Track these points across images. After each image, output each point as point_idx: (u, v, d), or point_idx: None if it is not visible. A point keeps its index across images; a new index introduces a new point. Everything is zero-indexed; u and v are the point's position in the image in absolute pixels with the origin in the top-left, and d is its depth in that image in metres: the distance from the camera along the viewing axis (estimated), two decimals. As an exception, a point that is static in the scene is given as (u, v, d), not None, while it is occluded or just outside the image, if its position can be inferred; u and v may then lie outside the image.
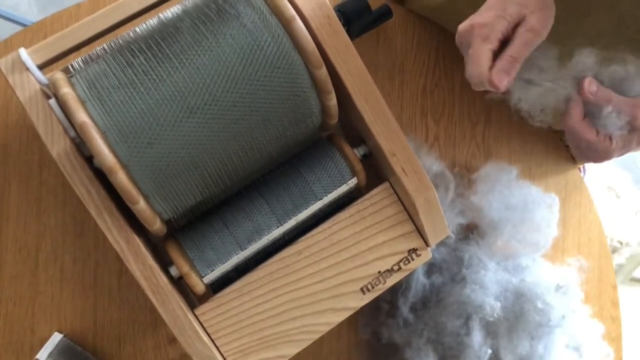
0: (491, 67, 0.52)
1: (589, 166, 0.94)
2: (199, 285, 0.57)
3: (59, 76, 0.50)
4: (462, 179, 0.76)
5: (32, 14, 1.45)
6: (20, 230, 0.68)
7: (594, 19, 0.60)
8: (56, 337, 0.67)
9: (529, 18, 0.51)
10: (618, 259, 1.54)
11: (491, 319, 0.68)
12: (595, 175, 1.41)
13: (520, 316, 0.69)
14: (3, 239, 0.67)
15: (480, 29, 0.53)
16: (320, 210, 0.61)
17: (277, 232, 0.59)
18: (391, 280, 0.61)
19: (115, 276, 0.69)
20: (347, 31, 0.58)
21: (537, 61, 0.55)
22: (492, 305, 0.68)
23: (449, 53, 0.78)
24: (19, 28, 1.31)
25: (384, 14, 0.72)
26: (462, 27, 0.56)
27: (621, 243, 1.54)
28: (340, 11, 0.64)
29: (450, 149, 0.78)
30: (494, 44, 0.53)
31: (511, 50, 0.52)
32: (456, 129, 0.78)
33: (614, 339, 0.80)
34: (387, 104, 0.58)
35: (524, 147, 0.80)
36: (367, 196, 0.61)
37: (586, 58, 0.54)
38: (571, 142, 0.57)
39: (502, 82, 0.52)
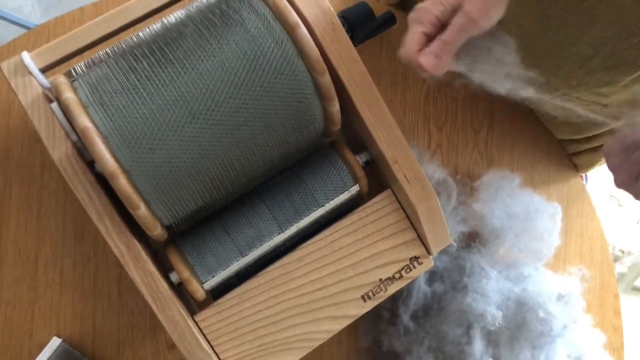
0: (421, 49, 0.53)
1: (591, 174, 0.94)
2: (199, 291, 0.56)
3: (62, 80, 0.50)
4: (465, 186, 0.76)
5: (35, 17, 1.46)
6: (21, 234, 0.67)
7: (599, 26, 0.60)
8: (55, 342, 0.67)
9: (465, 4, 0.51)
10: (620, 267, 1.54)
11: (493, 328, 0.67)
12: (597, 183, 1.41)
13: (521, 325, 0.68)
14: (3, 242, 0.67)
15: (418, 12, 0.54)
16: (322, 217, 0.60)
17: (278, 239, 0.58)
18: (392, 288, 0.61)
19: (115, 281, 0.69)
20: (351, 37, 0.58)
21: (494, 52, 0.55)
22: (494, 314, 0.67)
23: (452, 60, 0.78)
24: (22, 30, 1.31)
25: (388, 20, 0.72)
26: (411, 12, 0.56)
27: (623, 252, 1.54)
28: (344, 17, 0.64)
29: (452, 156, 0.77)
30: (427, 27, 0.53)
31: (444, 34, 0.52)
32: (459, 136, 0.78)
33: (616, 348, 0.80)
34: (389, 110, 0.58)
35: (527, 155, 0.80)
36: (369, 203, 0.60)
37: None
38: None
39: (429, 63, 0.52)
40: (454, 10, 0.52)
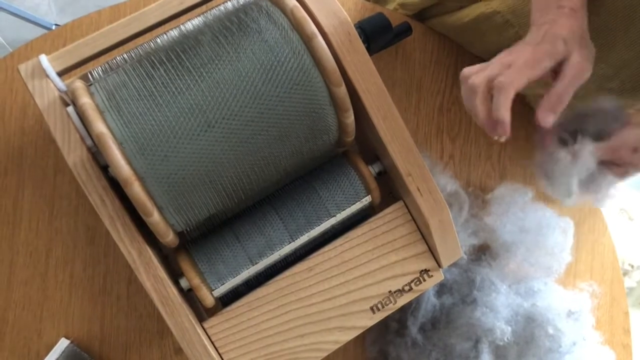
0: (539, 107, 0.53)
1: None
2: (208, 298, 0.56)
3: (79, 85, 0.50)
4: (477, 199, 0.75)
5: (52, 16, 1.46)
6: (32, 235, 0.68)
7: (619, 47, 0.59)
8: (63, 343, 0.67)
9: (574, 57, 0.52)
10: (629, 282, 1.53)
11: (501, 343, 0.67)
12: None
13: (530, 341, 0.68)
14: (15, 243, 0.68)
15: (528, 61, 0.52)
16: (333, 227, 0.60)
17: (289, 248, 0.58)
18: (402, 301, 0.60)
19: (124, 284, 0.69)
20: (367, 48, 0.58)
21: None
22: (503, 329, 0.67)
23: (467, 72, 0.77)
24: (38, 29, 1.32)
25: (404, 31, 0.71)
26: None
27: (632, 266, 1.52)
28: (361, 28, 0.64)
29: (465, 168, 0.77)
30: (531, 81, 0.52)
31: (558, 87, 0.52)
32: (472, 148, 0.77)
33: (625, 367, 0.79)
34: (403, 120, 0.57)
35: (540, 169, 0.79)
36: (380, 214, 0.60)
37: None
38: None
39: (547, 120, 0.53)
40: (559, 63, 0.52)
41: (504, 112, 0.52)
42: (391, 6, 0.79)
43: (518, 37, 0.67)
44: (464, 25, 0.73)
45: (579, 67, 0.51)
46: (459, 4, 0.72)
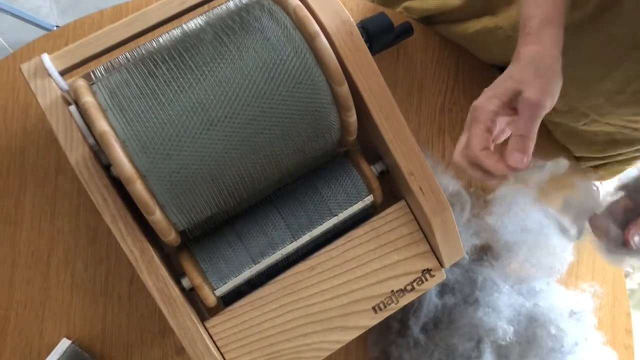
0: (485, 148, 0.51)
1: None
2: (210, 297, 0.56)
3: (81, 83, 0.50)
4: (478, 199, 0.75)
5: (53, 17, 1.47)
6: (34, 235, 0.68)
7: (625, 66, 0.59)
8: (64, 343, 0.67)
9: (525, 92, 0.50)
10: (630, 283, 1.52)
11: (503, 343, 0.67)
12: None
13: (532, 341, 0.68)
14: (17, 243, 0.67)
15: (475, 111, 0.52)
16: (335, 226, 0.60)
17: (290, 247, 0.58)
18: (404, 300, 0.60)
19: (126, 284, 0.69)
20: (369, 47, 0.57)
21: None
22: (505, 329, 0.67)
23: (468, 71, 0.77)
24: (39, 31, 1.32)
25: (405, 31, 0.72)
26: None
27: (633, 268, 1.52)
28: (364, 28, 0.64)
29: (466, 169, 0.77)
30: (487, 124, 0.51)
31: (518, 129, 0.50)
32: (473, 148, 0.77)
33: (627, 367, 0.79)
34: (404, 120, 0.57)
35: (541, 169, 0.79)
36: (382, 214, 0.60)
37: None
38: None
39: (519, 161, 0.50)
40: (511, 100, 0.51)
41: (497, 167, 0.50)
42: (396, 9, 0.80)
43: None
44: (469, 36, 0.73)
45: (532, 103, 0.49)
46: (463, 15, 0.72)
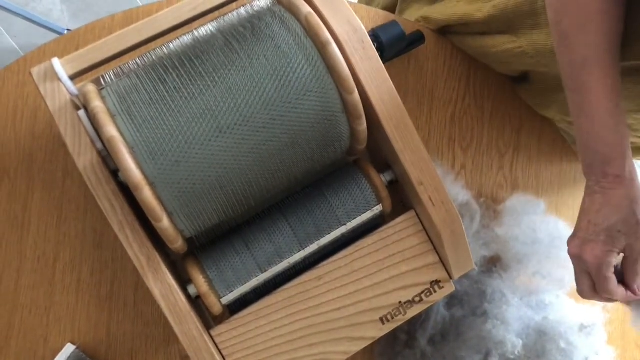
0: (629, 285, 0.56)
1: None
2: (216, 306, 0.56)
3: (90, 88, 0.50)
4: (488, 209, 0.74)
5: (64, 21, 1.47)
6: (41, 239, 0.67)
7: None
8: (69, 349, 0.66)
9: (635, 244, 0.54)
10: None
11: (512, 357, 0.66)
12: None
13: (542, 355, 0.67)
14: (23, 247, 0.67)
15: (600, 268, 0.55)
16: (343, 235, 0.60)
17: (298, 256, 0.58)
18: (412, 312, 0.60)
19: (132, 290, 0.68)
20: (380, 56, 0.57)
21: None
22: (514, 343, 0.66)
23: (479, 80, 0.77)
24: (51, 34, 1.32)
25: (417, 39, 0.71)
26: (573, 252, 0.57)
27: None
28: (375, 36, 0.63)
29: (477, 179, 0.76)
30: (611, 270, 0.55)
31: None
32: (484, 158, 0.77)
33: (638, 383, 0.78)
34: (415, 129, 0.57)
35: (552, 180, 0.79)
36: (391, 224, 0.60)
37: None
38: None
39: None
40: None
41: (619, 294, 0.56)
42: (412, 18, 0.79)
43: (541, 65, 0.68)
44: (489, 54, 0.73)
45: None
46: (484, 29, 0.71)
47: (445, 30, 0.76)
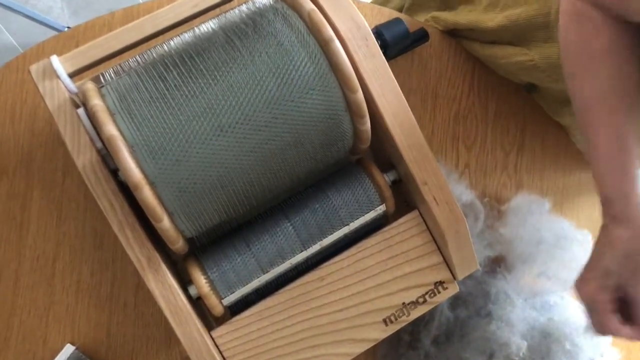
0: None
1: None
2: (217, 307, 0.55)
3: (90, 86, 0.49)
4: (492, 209, 0.74)
5: (64, 18, 1.47)
6: (40, 238, 0.67)
7: None
8: (68, 349, 0.66)
9: (631, 289, 0.53)
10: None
11: (516, 359, 0.65)
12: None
13: (546, 357, 0.66)
14: (22, 246, 0.66)
15: (593, 304, 0.54)
16: (346, 236, 0.59)
17: (300, 257, 0.57)
18: (415, 313, 0.59)
19: (132, 291, 0.67)
20: (384, 53, 0.56)
21: None
22: (518, 344, 0.65)
23: (483, 79, 0.76)
24: (50, 31, 1.32)
25: (421, 37, 0.70)
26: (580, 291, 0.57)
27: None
28: (379, 33, 0.63)
29: (480, 178, 0.75)
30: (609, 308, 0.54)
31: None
32: (488, 157, 0.76)
33: (643, 385, 0.77)
34: (418, 128, 0.56)
35: (557, 180, 0.78)
36: (395, 224, 0.59)
37: None
38: None
39: None
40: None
41: (624, 333, 0.54)
42: (422, 18, 0.78)
43: (552, 79, 0.67)
44: (497, 63, 0.72)
45: None
46: (494, 38, 0.71)
47: (454, 34, 0.75)
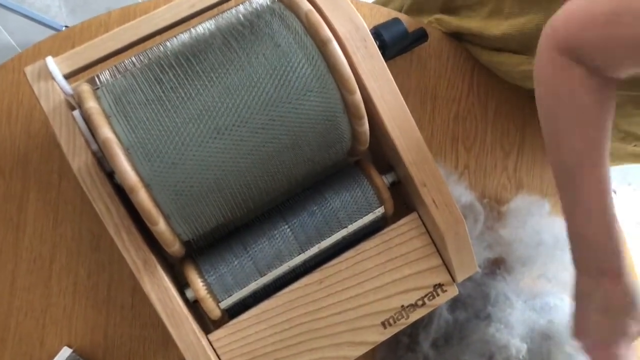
0: None
1: (619, 201, 0.91)
2: (215, 310, 0.54)
3: (85, 88, 0.49)
4: (492, 211, 0.73)
5: (62, 17, 1.46)
6: (36, 240, 0.66)
7: None
8: (65, 352, 0.65)
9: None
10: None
11: (516, 361, 0.65)
12: (624, 210, 1.37)
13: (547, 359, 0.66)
14: (19, 248, 0.66)
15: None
16: (344, 238, 0.58)
17: (298, 259, 0.57)
18: (414, 316, 0.58)
19: (129, 292, 0.67)
20: (382, 54, 0.56)
21: None
22: (518, 347, 0.65)
23: (483, 79, 0.75)
24: (48, 30, 1.31)
25: (420, 37, 0.70)
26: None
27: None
28: (377, 34, 0.62)
29: (480, 179, 0.75)
30: None
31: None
32: (487, 158, 0.75)
33: (643, 387, 0.76)
34: (417, 129, 0.55)
35: (557, 181, 0.77)
36: (393, 226, 0.58)
37: None
38: None
39: None
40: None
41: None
42: (426, 20, 0.78)
43: None
44: (501, 71, 0.72)
45: None
46: (498, 45, 0.70)
47: (458, 38, 0.75)
